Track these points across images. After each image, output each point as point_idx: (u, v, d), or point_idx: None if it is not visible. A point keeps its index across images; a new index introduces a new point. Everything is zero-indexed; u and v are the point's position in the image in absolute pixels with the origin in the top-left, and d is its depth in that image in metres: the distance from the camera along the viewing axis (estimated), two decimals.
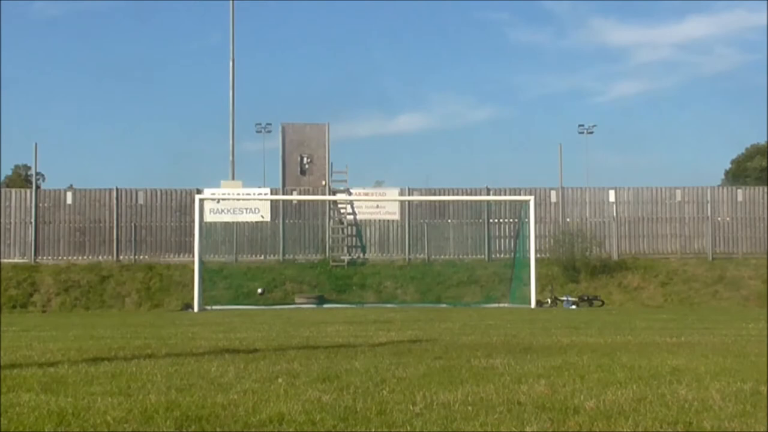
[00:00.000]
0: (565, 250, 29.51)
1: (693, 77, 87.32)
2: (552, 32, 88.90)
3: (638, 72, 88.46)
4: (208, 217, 29.67)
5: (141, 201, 30.42)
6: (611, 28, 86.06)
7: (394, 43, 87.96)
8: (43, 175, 48.19)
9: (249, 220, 30.39)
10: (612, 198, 31.42)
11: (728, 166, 63.83)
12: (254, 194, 30.70)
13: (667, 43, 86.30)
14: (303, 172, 32.39)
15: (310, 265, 30.17)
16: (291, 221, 30.74)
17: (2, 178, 49.13)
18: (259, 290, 27.76)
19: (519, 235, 29.69)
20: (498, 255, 30.64)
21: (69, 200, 30.40)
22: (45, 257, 29.88)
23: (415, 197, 30.92)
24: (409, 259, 30.60)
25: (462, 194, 30.95)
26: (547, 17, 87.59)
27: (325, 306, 26.08)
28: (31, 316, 23.73)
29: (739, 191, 32.24)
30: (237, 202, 30.13)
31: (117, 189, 30.39)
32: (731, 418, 3.36)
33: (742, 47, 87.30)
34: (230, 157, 37.91)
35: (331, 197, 30.86)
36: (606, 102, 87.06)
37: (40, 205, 30.18)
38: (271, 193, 30.89)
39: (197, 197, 27.28)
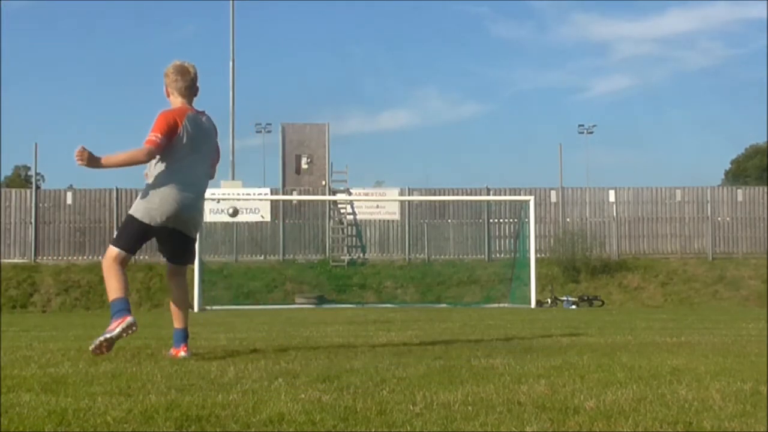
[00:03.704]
0: (565, 250, 29.52)
1: (679, 72, 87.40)
2: (534, 27, 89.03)
3: (623, 67, 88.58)
4: (208, 217, 29.65)
5: None
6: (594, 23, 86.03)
7: (367, 40, 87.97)
8: (42, 176, 48.25)
9: (249, 220, 30.38)
10: (612, 198, 31.43)
11: (728, 166, 63.96)
12: (254, 194, 30.68)
13: (650, 37, 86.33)
14: (298, 171, 32.40)
15: (310, 265, 30.17)
16: (291, 221, 30.74)
17: (2, 178, 49.16)
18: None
19: (519, 235, 29.69)
20: (498, 255, 30.65)
21: (69, 200, 30.39)
22: (45, 257, 29.89)
23: (415, 197, 30.92)
24: (409, 259, 30.61)
25: (462, 194, 30.95)
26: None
27: (325, 306, 26.07)
28: (31, 316, 23.71)
29: (739, 191, 32.24)
30: (237, 202, 30.10)
31: (117, 189, 30.37)
32: (731, 418, 3.36)
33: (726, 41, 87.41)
34: (230, 157, 37.95)
35: (331, 197, 30.86)
36: (593, 98, 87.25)
37: (40, 205, 30.18)
38: (271, 193, 30.88)
39: None
